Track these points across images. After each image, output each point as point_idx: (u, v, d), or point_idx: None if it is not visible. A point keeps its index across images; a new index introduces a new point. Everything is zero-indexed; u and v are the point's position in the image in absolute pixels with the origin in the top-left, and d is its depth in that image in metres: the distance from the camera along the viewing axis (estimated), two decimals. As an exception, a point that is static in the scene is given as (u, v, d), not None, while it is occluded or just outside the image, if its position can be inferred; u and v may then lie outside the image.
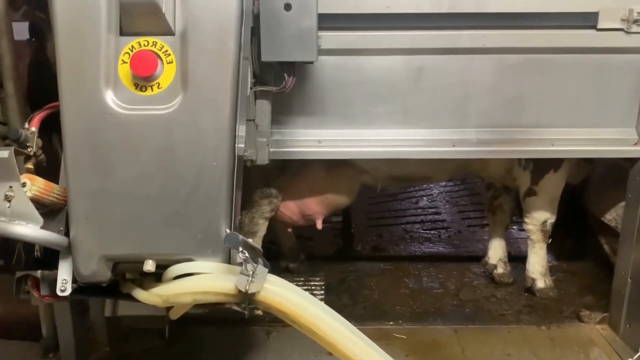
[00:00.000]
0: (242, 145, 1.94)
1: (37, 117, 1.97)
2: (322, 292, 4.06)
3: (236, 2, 1.76)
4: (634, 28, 2.96)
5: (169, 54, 1.77)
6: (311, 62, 2.90)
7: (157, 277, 1.89)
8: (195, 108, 1.75)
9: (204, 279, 1.74)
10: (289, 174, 3.40)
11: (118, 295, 1.94)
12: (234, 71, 1.75)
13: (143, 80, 1.76)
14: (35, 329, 3.16)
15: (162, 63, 1.77)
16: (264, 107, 3.01)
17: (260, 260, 1.93)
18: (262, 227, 3.52)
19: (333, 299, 3.96)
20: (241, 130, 1.90)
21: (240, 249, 1.64)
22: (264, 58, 2.81)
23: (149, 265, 1.78)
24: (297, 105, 3.15)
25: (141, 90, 1.77)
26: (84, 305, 2.93)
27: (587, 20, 2.98)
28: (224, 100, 1.75)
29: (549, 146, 3.17)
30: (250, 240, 1.87)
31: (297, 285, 4.03)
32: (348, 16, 3.00)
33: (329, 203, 3.53)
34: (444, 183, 6.09)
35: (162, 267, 1.85)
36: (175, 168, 1.76)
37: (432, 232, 5.11)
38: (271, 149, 3.12)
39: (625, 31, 2.98)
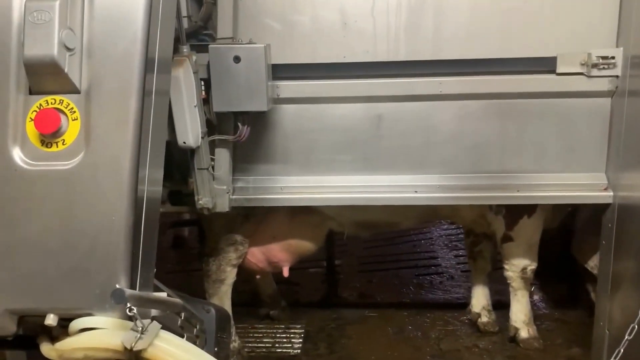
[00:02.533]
0: (156, 188, 1.96)
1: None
2: (300, 340, 4.01)
3: (139, 59, 1.80)
4: (594, 72, 2.91)
5: (75, 111, 1.82)
6: (263, 112, 2.93)
7: (70, 330, 1.90)
8: (96, 163, 1.79)
9: (94, 335, 1.74)
10: (254, 220, 3.41)
11: (32, 347, 1.94)
12: (136, 125, 1.79)
13: (48, 137, 1.82)
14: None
15: (68, 120, 1.82)
16: (222, 156, 3.07)
17: (184, 318, 1.92)
18: (230, 275, 3.52)
19: (309, 348, 3.91)
20: (154, 173, 1.92)
21: (129, 305, 1.63)
22: (215, 108, 2.88)
23: (50, 320, 1.80)
24: (260, 153, 3.19)
25: (47, 146, 1.83)
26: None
27: (546, 65, 2.95)
28: (124, 155, 1.79)
29: (514, 192, 3.10)
30: (162, 294, 1.86)
31: (276, 332, 4.09)
32: (305, 66, 3.05)
33: (293, 250, 3.51)
34: (444, 226, 5.99)
35: (69, 321, 1.86)
36: (76, 222, 1.79)
37: (424, 277, 5.00)
38: (233, 197, 3.15)
39: (585, 75, 2.92)
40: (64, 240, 1.79)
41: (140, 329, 1.65)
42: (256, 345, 3.97)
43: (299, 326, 4.17)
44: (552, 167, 3.10)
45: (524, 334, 3.72)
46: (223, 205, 3.10)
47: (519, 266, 3.61)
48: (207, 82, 2.88)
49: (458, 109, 3.06)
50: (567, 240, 4.04)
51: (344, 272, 5.05)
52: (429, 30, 2.99)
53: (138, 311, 1.70)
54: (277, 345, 3.97)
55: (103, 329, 1.73)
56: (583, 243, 3.76)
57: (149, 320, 1.70)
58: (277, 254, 3.49)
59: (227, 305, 3.55)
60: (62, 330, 1.90)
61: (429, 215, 3.67)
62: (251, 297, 4.30)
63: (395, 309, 4.39)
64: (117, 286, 1.69)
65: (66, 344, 1.79)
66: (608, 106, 2.98)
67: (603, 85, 2.94)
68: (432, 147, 3.12)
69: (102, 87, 1.80)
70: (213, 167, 3.02)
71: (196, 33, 2.92)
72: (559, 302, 4.30)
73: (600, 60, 2.89)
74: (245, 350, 3.82)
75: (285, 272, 3.54)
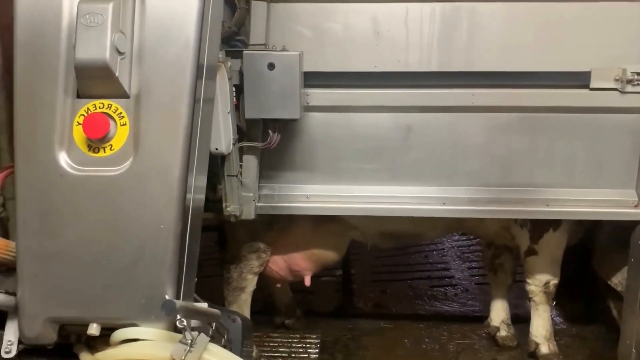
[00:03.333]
0: (200, 196, 1.92)
1: (2, 175, 2.00)
2: (317, 350, 3.95)
3: (190, 65, 1.77)
4: (629, 88, 2.89)
5: (123, 116, 1.79)
6: (295, 120, 2.90)
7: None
8: (145, 170, 1.75)
9: (142, 347, 1.70)
10: (277, 228, 3.37)
11: (70, 356, 1.90)
12: (186, 133, 1.76)
13: (96, 142, 1.78)
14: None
15: (116, 125, 1.79)
16: (250, 163, 3.03)
17: (215, 328, 1.88)
18: (250, 282, 3.47)
19: (326, 359, 3.86)
20: (199, 180, 1.88)
21: (179, 317, 1.59)
22: (247, 115, 2.85)
23: (93, 329, 1.75)
24: (286, 160, 3.16)
25: (94, 151, 1.79)
26: None
27: (580, 80, 2.93)
28: (174, 162, 1.75)
29: (543, 207, 3.07)
30: (203, 304, 1.82)
31: (292, 342, 4.04)
32: (336, 74, 3.02)
33: (316, 259, 3.47)
34: (456, 237, 5.96)
35: (111, 330, 1.81)
36: (122, 231, 1.75)
37: (438, 289, 4.95)
38: (258, 204, 3.11)
39: (619, 91, 2.90)
40: (109, 248, 1.75)
41: (190, 341, 1.61)
42: (272, 354, 3.91)
43: (314, 336, 4.11)
44: (582, 182, 3.08)
45: (544, 349, 3.67)
46: (249, 213, 3.06)
47: (542, 280, 3.57)
48: (238, 89, 2.85)
49: (488, 121, 3.04)
50: (583, 255, 4.01)
51: (357, 282, 5.01)
52: (463, 41, 2.96)
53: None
54: (293, 355, 3.92)
55: (149, 340, 1.69)
56: (606, 259, 3.73)
57: (196, 333, 1.66)
58: (299, 262, 3.45)
59: (247, 314, 3.50)
60: (101, 340, 1.86)
61: (454, 227, 3.64)
62: (265, 305, 4.25)
63: (411, 321, 4.34)
64: (167, 297, 1.65)
65: (111, 355, 1.74)
66: (640, 123, 2.96)
67: (637, 101, 2.92)
68: (461, 159, 3.09)
69: (152, 92, 1.77)
70: (241, 174, 2.98)
71: (229, 39, 2.88)
72: (577, 317, 4.27)
73: (635, 77, 2.87)
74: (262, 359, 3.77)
75: (307, 282, 3.50)
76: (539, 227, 3.42)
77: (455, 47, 2.97)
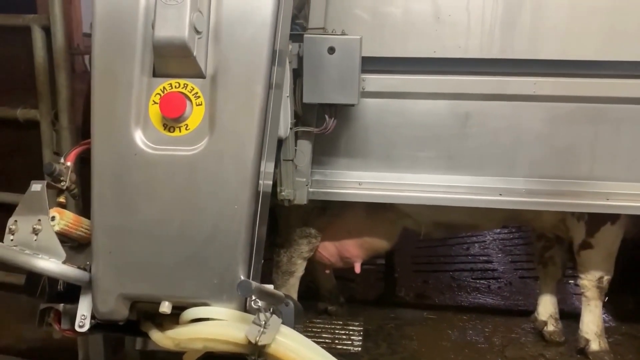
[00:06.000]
0: (269, 182, 1.91)
1: (74, 152, 2.02)
2: (360, 338, 3.94)
3: (267, 47, 1.75)
4: (698, 79, 2.78)
5: (199, 96, 1.78)
6: (352, 105, 2.87)
7: (177, 318, 1.87)
8: (220, 151, 1.75)
9: (215, 326, 1.70)
10: (329, 214, 3.36)
11: (137, 333, 1.92)
12: (261, 115, 1.74)
13: (172, 121, 1.78)
14: (74, 355, 3.22)
15: (192, 105, 1.78)
16: (305, 148, 3.01)
17: (279, 308, 1.88)
18: (300, 267, 3.48)
19: (370, 346, 3.84)
20: (269, 167, 1.88)
21: (253, 297, 1.59)
22: (305, 100, 2.82)
23: (165, 307, 1.76)
24: (339, 146, 3.14)
25: (169, 131, 1.79)
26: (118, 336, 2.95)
27: (647, 70, 2.83)
28: (249, 144, 1.74)
29: (603, 200, 2.99)
30: (270, 286, 1.82)
31: (335, 328, 4.04)
32: (394, 60, 2.98)
33: (367, 247, 3.45)
34: (497, 230, 5.87)
35: (180, 309, 1.82)
36: (196, 210, 1.75)
37: (481, 281, 4.89)
38: (310, 189, 3.10)
39: (686, 81, 2.79)
40: (183, 227, 1.76)
41: (264, 322, 1.60)
42: (315, 340, 3.89)
43: (357, 323, 4.10)
44: (644, 176, 2.98)
45: (595, 346, 3.59)
46: (302, 198, 3.05)
47: (595, 275, 3.49)
48: (295, 72, 2.83)
49: (550, 111, 2.96)
50: (634, 251, 3.90)
51: (399, 271, 4.98)
52: (526, 27, 2.88)
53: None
54: (336, 341, 3.92)
55: (222, 320, 1.69)
56: (662, 255, 3.62)
57: (269, 314, 1.66)
58: (350, 249, 3.44)
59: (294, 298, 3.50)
60: (168, 318, 1.88)
61: (510, 218, 3.57)
62: (308, 290, 4.25)
63: (454, 312, 4.30)
64: (242, 277, 1.65)
65: (183, 333, 1.75)
66: None
67: None
68: (520, 149, 3.02)
69: (228, 73, 1.76)
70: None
71: (288, 22, 2.86)
72: (627, 315, 4.16)
73: None
74: (307, 345, 3.77)
75: (357, 269, 3.49)
76: (597, 221, 3.33)
77: (518, 34, 2.89)
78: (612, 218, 3.33)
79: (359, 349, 3.82)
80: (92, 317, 1.84)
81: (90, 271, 1.82)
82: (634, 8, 2.81)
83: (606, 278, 3.50)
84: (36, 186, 1.84)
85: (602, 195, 2.99)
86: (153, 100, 1.79)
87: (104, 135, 1.80)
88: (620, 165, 2.98)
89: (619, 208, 3.04)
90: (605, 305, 3.66)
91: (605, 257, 3.45)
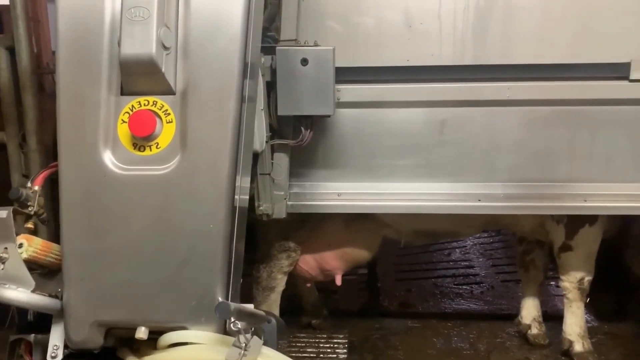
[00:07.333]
0: (245, 197, 1.86)
1: (41, 176, 1.95)
2: (345, 350, 3.88)
3: (237, 61, 1.72)
4: (670, 79, 2.81)
5: (169, 114, 1.73)
6: (328, 116, 2.84)
7: (155, 343, 1.81)
8: (193, 169, 1.70)
9: (194, 350, 1.65)
10: (308, 227, 3.32)
11: (108, 360, 1.85)
12: (234, 130, 1.70)
13: (142, 140, 1.72)
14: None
15: (162, 122, 1.73)
16: (282, 161, 2.97)
17: (261, 327, 1.83)
18: (280, 282, 3.42)
19: (355, 359, 3.79)
20: (245, 182, 1.83)
21: (232, 319, 1.54)
22: (280, 112, 2.79)
23: (141, 333, 1.70)
24: (316, 158, 3.10)
25: (140, 150, 1.73)
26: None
27: (619, 72, 2.86)
28: (222, 160, 1.69)
29: (581, 202, 3.00)
30: (250, 306, 1.77)
31: (319, 342, 3.98)
32: (368, 69, 2.96)
33: (348, 258, 3.42)
34: (478, 234, 5.88)
35: (158, 334, 1.76)
36: (171, 231, 1.70)
37: (464, 287, 4.88)
38: (289, 203, 3.05)
39: (660, 82, 2.82)
40: (157, 249, 1.70)
41: (244, 345, 1.55)
42: (300, 355, 3.85)
43: (341, 336, 4.04)
44: (621, 176, 3.00)
45: (578, 347, 3.59)
46: (280, 212, 3.00)
47: (576, 277, 3.50)
48: (269, 85, 2.79)
49: (525, 115, 2.97)
50: (613, 250, 3.93)
51: (381, 281, 4.94)
52: (498, 33, 2.89)
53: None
54: (321, 355, 3.85)
55: (202, 344, 1.64)
56: (642, 254, 3.66)
57: (249, 335, 1.60)
58: (330, 261, 3.40)
59: (276, 314, 3.44)
60: (146, 343, 1.81)
61: (490, 223, 3.57)
62: (291, 304, 4.19)
63: (438, 320, 4.27)
64: (220, 299, 1.60)
65: (161, 359, 1.69)
66: (682, 114, 2.88)
67: (678, 92, 2.84)
68: (497, 154, 3.02)
69: (199, 88, 1.71)
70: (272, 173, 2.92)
71: (259, 34, 2.82)
72: (608, 314, 4.18)
73: (677, 67, 2.79)
74: (291, 360, 3.71)
75: (338, 281, 3.45)
76: (575, 223, 3.34)
77: (490, 40, 2.90)
78: (591, 219, 3.34)
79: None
80: (65, 346, 1.77)
81: (61, 299, 1.75)
82: (604, 10, 2.84)
83: (587, 279, 3.51)
84: (2, 213, 1.76)
85: (580, 197, 3.00)
86: (122, 119, 1.74)
87: (72, 157, 1.74)
88: (597, 167, 3.00)
89: (597, 209, 3.06)
90: (587, 306, 3.67)
91: (585, 258, 3.46)
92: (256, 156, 2.80)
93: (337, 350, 3.89)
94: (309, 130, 2.86)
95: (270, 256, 3.36)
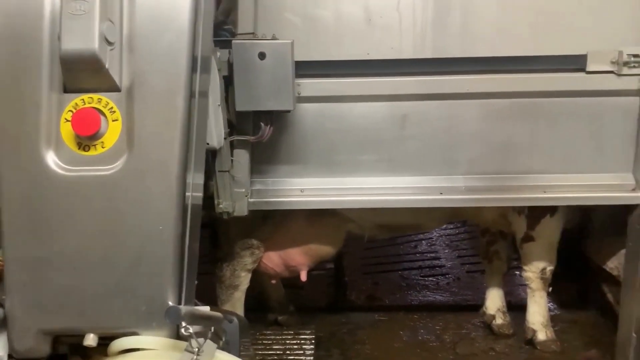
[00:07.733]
0: (199, 194, 1.81)
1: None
2: (312, 346, 3.85)
3: (186, 55, 1.66)
4: (625, 70, 2.85)
5: (115, 111, 1.66)
6: (288, 111, 2.80)
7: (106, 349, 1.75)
8: (140, 169, 1.64)
9: (144, 357, 1.59)
10: (271, 224, 3.28)
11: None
12: (183, 126, 1.65)
13: (86, 139, 1.65)
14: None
15: (107, 121, 1.67)
16: (242, 158, 2.92)
17: (221, 327, 1.78)
18: (244, 280, 3.38)
19: (322, 355, 3.77)
20: (197, 178, 1.77)
21: (184, 324, 1.49)
22: (238, 108, 2.73)
23: (90, 340, 1.64)
24: (278, 154, 3.06)
25: (84, 150, 1.66)
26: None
27: (576, 64, 2.88)
28: (172, 158, 1.64)
29: (541, 193, 3.03)
30: (205, 308, 1.72)
31: (286, 339, 3.95)
32: (328, 63, 2.92)
33: (313, 254, 3.39)
34: (444, 226, 5.91)
35: (109, 340, 1.70)
36: (119, 234, 1.64)
37: (430, 279, 4.90)
38: (251, 200, 3.01)
39: (616, 73, 2.86)
40: (104, 253, 1.64)
41: (197, 349, 1.51)
42: (266, 352, 3.81)
43: (308, 332, 4.01)
44: (580, 167, 3.04)
45: (541, 336, 3.65)
46: (242, 209, 2.95)
47: (538, 267, 3.55)
48: (226, 80, 2.73)
49: (485, 108, 2.97)
50: (573, 240, 3.99)
51: (348, 274, 4.93)
52: (457, 26, 2.89)
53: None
54: (288, 351, 3.82)
55: (152, 350, 1.58)
56: (601, 244, 3.72)
57: (202, 340, 1.56)
58: (295, 257, 3.36)
59: (241, 312, 3.41)
60: (97, 349, 1.75)
61: (452, 216, 3.59)
62: (256, 302, 4.15)
63: (405, 312, 4.28)
64: (170, 303, 1.54)
65: (111, 367, 1.63)
66: (637, 105, 2.93)
67: (633, 83, 2.88)
68: (458, 147, 3.03)
69: (145, 84, 1.65)
70: (232, 170, 2.87)
71: (215, 28, 2.74)
72: (570, 303, 4.25)
73: (632, 59, 2.83)
74: (257, 358, 3.67)
75: (303, 277, 3.42)
76: (536, 214, 3.38)
77: (450, 33, 2.89)
78: (552, 210, 3.38)
79: (311, 358, 3.74)
80: (10, 356, 1.69)
81: (4, 307, 1.67)
82: (561, 3, 2.86)
83: (549, 269, 3.56)
84: (-61, 218, 1.68)
85: (539, 189, 3.03)
86: (65, 118, 1.66)
87: (12, 158, 1.66)
88: (556, 158, 3.03)
89: (557, 200, 3.09)
90: (549, 295, 3.72)
91: (547, 248, 3.51)
92: (215, 153, 2.75)
93: (304, 347, 3.86)
94: (269, 126, 2.82)
95: (233, 254, 3.31)
